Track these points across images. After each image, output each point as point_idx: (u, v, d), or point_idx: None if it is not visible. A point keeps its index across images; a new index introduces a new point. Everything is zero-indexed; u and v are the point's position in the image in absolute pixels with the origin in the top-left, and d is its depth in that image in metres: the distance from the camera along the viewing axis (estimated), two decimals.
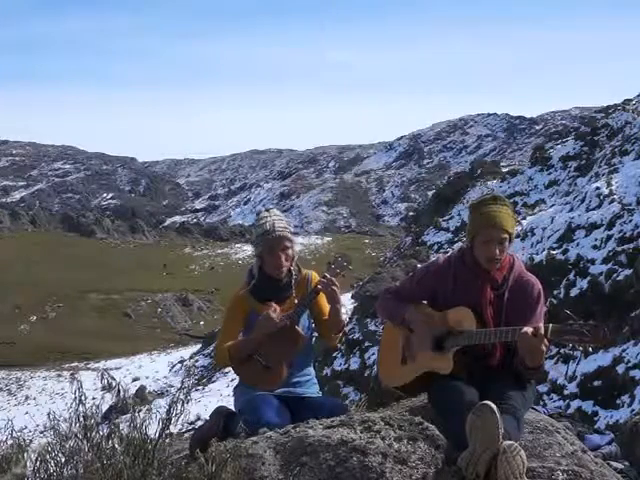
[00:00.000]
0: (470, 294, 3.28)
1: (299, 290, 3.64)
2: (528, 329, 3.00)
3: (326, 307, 3.65)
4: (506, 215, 3.25)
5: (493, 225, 3.23)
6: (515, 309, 3.23)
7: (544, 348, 3.01)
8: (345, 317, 3.72)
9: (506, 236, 3.24)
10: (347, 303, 24.44)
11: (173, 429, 2.87)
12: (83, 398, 2.73)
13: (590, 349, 2.92)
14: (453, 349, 3.22)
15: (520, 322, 3.11)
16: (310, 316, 3.69)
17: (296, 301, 3.61)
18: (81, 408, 2.71)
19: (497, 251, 3.25)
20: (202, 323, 48.65)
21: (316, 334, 3.81)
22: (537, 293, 3.29)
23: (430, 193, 66.54)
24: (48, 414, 2.92)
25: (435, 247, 29.76)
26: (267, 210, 3.66)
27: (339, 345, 22.68)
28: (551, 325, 3.00)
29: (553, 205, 24.15)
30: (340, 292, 3.57)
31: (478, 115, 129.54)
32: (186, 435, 4.02)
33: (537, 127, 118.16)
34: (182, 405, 2.74)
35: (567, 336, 2.96)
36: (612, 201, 18.99)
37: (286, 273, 3.62)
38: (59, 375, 33.88)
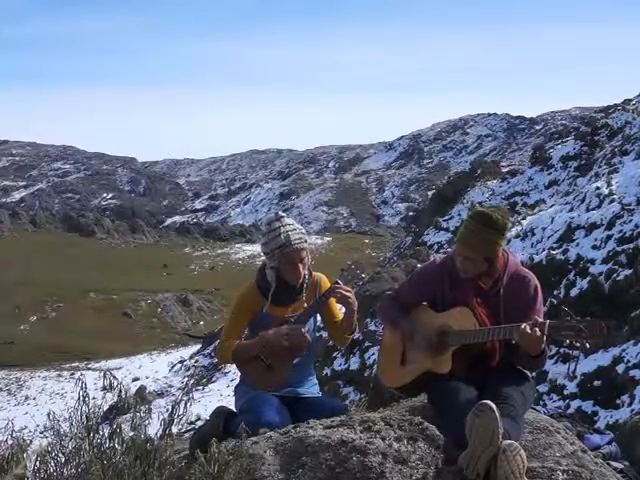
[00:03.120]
0: (465, 294, 3.29)
1: (309, 292, 3.65)
2: (526, 325, 3.00)
3: (337, 310, 3.68)
4: (481, 239, 3.19)
5: (464, 243, 3.25)
6: (512, 306, 3.24)
7: (544, 339, 3.02)
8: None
9: (474, 257, 3.22)
10: None
11: (173, 429, 2.87)
12: (87, 398, 2.73)
13: (587, 345, 2.92)
14: (452, 349, 3.22)
15: (519, 318, 3.11)
16: (315, 319, 3.71)
17: (305, 303, 3.62)
18: (84, 408, 2.72)
19: (464, 265, 3.26)
20: (202, 323, 48.64)
21: (318, 334, 3.83)
22: (533, 288, 3.28)
23: (430, 193, 66.53)
24: (48, 414, 2.92)
25: (435, 247, 29.73)
26: (278, 219, 3.56)
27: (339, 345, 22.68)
28: (548, 321, 3.01)
29: (553, 205, 24.12)
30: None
31: (478, 115, 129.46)
32: (186, 435, 4.01)
33: (537, 127, 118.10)
34: (185, 406, 2.74)
35: (564, 332, 2.96)
36: (612, 201, 18.98)
37: (302, 275, 3.63)
38: (59, 375, 33.86)
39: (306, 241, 3.57)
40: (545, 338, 3.01)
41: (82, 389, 2.75)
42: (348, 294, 3.50)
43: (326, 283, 3.69)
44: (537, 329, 2.98)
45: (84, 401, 2.72)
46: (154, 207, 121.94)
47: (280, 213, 3.63)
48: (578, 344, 2.96)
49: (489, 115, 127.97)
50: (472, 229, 3.22)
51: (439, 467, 2.90)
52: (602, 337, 2.93)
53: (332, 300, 3.62)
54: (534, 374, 3.38)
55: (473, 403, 2.84)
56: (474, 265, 3.24)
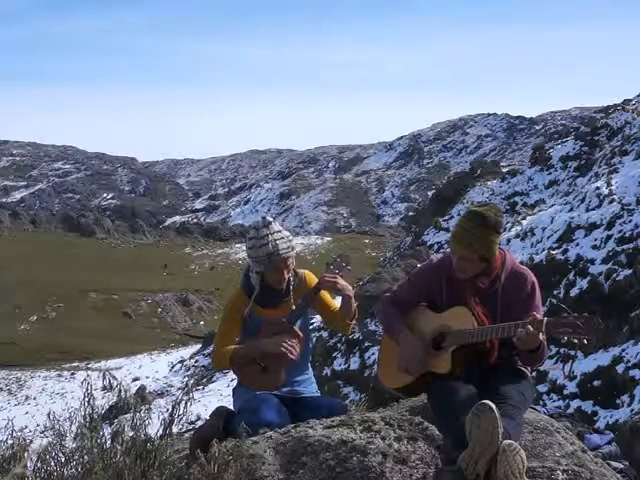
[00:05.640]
0: (463, 294, 3.29)
1: (296, 291, 3.66)
2: (524, 324, 3.01)
3: (330, 300, 3.69)
4: (475, 238, 3.19)
5: (458, 242, 3.25)
6: (510, 304, 3.24)
7: (541, 337, 3.03)
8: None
9: (470, 256, 3.22)
10: None
11: (173, 429, 2.87)
12: (92, 400, 2.74)
13: (585, 341, 2.95)
14: (451, 348, 3.22)
15: (517, 316, 3.12)
16: (307, 318, 3.71)
17: (292, 302, 3.63)
18: (89, 410, 2.72)
19: (460, 265, 3.26)
20: (202, 323, 48.62)
21: (318, 334, 3.83)
22: (531, 285, 3.28)
23: (430, 193, 66.51)
24: (48, 414, 2.92)
25: (435, 247, 29.75)
26: (266, 225, 3.57)
27: (339, 345, 22.69)
28: (546, 318, 3.02)
29: (553, 205, 24.13)
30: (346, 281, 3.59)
31: (478, 115, 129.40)
32: (186, 435, 4.02)
33: (537, 127, 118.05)
34: (185, 406, 2.74)
35: (562, 329, 2.97)
36: (612, 201, 18.99)
37: (286, 282, 3.64)
38: (59, 375, 33.85)
39: (293, 249, 3.58)
40: (543, 335, 3.03)
41: (87, 390, 2.75)
42: (336, 280, 3.51)
43: (311, 278, 3.71)
44: (536, 322, 3.00)
45: (89, 402, 2.73)
46: (154, 207, 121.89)
47: (268, 218, 3.63)
48: (576, 341, 2.97)
49: (489, 115, 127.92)
50: (466, 228, 3.22)
51: (439, 467, 2.90)
52: (599, 333, 2.94)
53: (324, 292, 3.64)
54: (534, 374, 3.39)
55: (472, 403, 2.84)
56: (470, 264, 3.25)
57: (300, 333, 3.55)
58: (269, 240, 3.51)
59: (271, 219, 3.64)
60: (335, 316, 3.69)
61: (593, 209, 19.33)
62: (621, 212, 17.83)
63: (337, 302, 3.73)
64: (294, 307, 3.61)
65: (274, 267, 3.53)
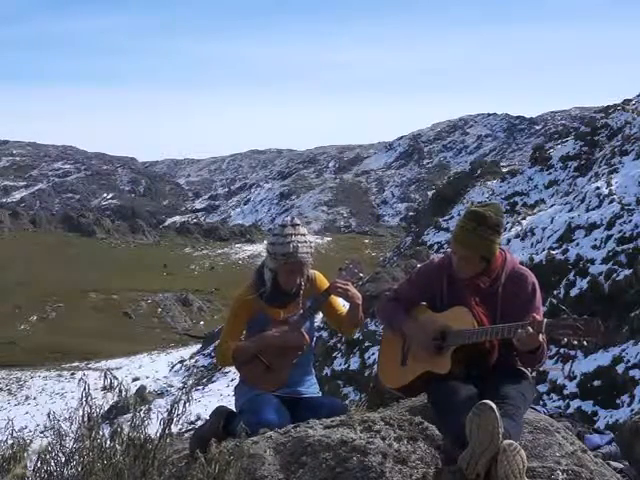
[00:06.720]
0: (463, 294, 3.29)
1: (305, 293, 3.67)
2: (525, 325, 3.02)
3: (339, 304, 3.70)
4: (476, 237, 3.21)
5: (459, 242, 3.26)
6: (511, 304, 3.24)
7: (541, 338, 3.03)
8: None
9: (470, 256, 3.23)
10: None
11: (173, 429, 2.87)
12: (89, 399, 2.74)
13: (585, 343, 2.96)
14: (451, 349, 3.22)
15: (517, 316, 3.12)
16: (312, 318, 3.71)
17: (300, 304, 3.63)
18: (87, 409, 2.72)
19: (461, 265, 3.27)
20: (202, 323, 48.64)
21: (318, 334, 3.83)
22: (531, 286, 3.29)
23: (430, 193, 66.51)
24: (48, 414, 2.92)
25: (435, 247, 29.75)
26: (294, 225, 3.56)
27: (339, 345, 22.70)
28: (545, 320, 3.02)
29: (553, 205, 24.14)
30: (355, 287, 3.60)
31: (478, 115, 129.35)
32: (186, 435, 4.02)
33: (537, 127, 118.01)
34: (184, 405, 2.74)
35: (562, 331, 2.97)
36: (612, 201, 18.99)
37: (297, 285, 3.65)
38: (59, 375, 33.86)
39: (312, 255, 3.58)
40: (544, 336, 3.03)
41: (85, 389, 2.75)
42: (347, 287, 3.51)
43: (321, 280, 3.71)
44: (536, 323, 3.00)
45: (86, 401, 2.73)
46: (154, 207, 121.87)
47: (297, 220, 3.63)
48: (576, 342, 2.97)
49: (489, 115, 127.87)
50: (466, 228, 3.23)
51: (439, 467, 2.90)
52: (599, 335, 2.94)
53: (334, 297, 3.65)
54: (534, 374, 3.38)
55: (473, 403, 2.84)
56: (471, 264, 3.25)
57: (307, 336, 3.55)
58: (291, 240, 3.50)
59: (299, 222, 3.63)
60: (341, 320, 3.69)
61: (593, 209, 19.33)
62: (621, 212, 17.83)
63: (343, 303, 3.73)
64: (301, 308, 3.62)
65: (288, 268, 3.53)
